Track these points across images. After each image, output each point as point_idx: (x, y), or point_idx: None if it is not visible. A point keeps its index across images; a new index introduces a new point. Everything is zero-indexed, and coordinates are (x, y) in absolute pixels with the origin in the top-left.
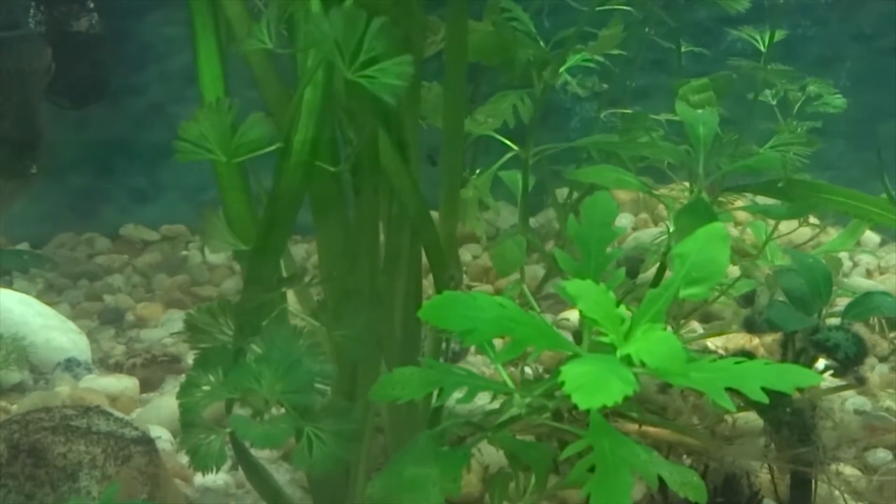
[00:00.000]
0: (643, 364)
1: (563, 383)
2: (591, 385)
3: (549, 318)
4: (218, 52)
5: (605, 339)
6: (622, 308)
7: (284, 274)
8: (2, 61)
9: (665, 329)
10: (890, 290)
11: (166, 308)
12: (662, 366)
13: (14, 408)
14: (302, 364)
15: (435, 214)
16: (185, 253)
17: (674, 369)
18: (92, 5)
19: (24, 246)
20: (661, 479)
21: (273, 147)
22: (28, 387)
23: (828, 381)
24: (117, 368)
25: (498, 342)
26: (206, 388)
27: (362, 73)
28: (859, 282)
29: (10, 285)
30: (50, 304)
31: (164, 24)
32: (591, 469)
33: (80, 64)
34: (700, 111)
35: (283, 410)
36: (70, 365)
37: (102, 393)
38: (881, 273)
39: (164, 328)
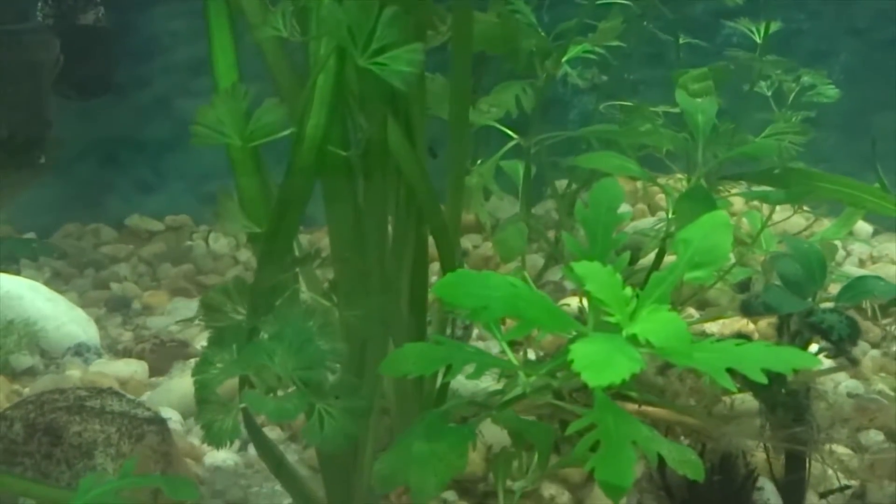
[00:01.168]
0: (648, 343)
1: (572, 361)
2: (600, 363)
3: None
4: (232, 40)
5: (611, 319)
6: (628, 289)
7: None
8: (11, 53)
9: (670, 310)
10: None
11: (172, 296)
12: (667, 345)
13: (26, 391)
14: (313, 342)
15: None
16: (189, 243)
17: (678, 349)
18: None
19: (30, 235)
20: (659, 458)
21: (287, 132)
22: (39, 371)
23: (822, 362)
24: (126, 353)
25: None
26: (220, 365)
27: (374, 61)
28: (852, 271)
29: (17, 273)
30: (58, 291)
31: (169, 16)
32: (594, 447)
33: (87, 56)
34: (699, 100)
35: (294, 387)
36: (80, 350)
37: (113, 377)
38: (874, 262)
39: (171, 316)
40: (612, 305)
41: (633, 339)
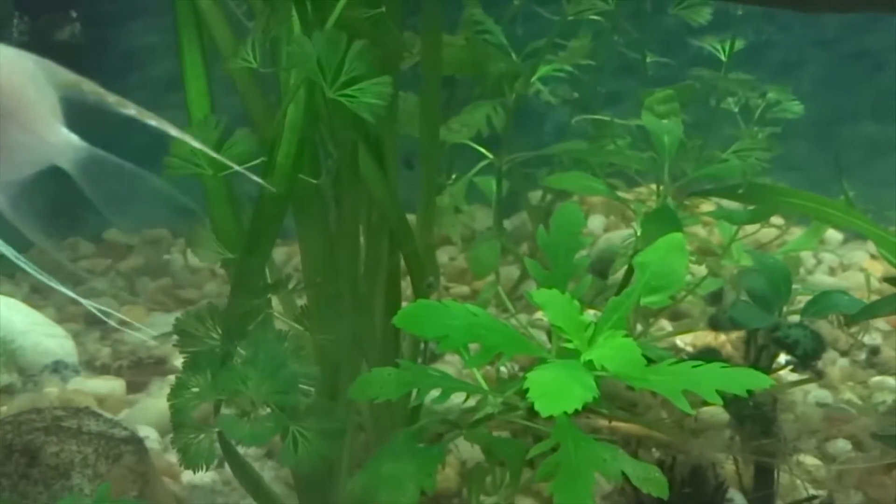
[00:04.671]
0: (604, 369)
1: (527, 390)
2: (554, 392)
3: (524, 317)
4: (204, 68)
5: (569, 346)
6: (586, 316)
7: (269, 281)
8: None
9: (626, 335)
10: (852, 286)
11: (150, 311)
12: (622, 370)
13: (3, 409)
14: (286, 366)
15: (412, 218)
16: (167, 257)
17: (633, 374)
18: (74, 15)
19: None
20: None
21: (257, 161)
22: (16, 389)
23: (791, 375)
24: (104, 370)
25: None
26: (195, 389)
27: (343, 93)
28: (822, 279)
29: None
30: (35, 307)
31: (145, 32)
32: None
33: None
34: (665, 121)
35: (268, 410)
36: (58, 367)
37: (90, 394)
38: (844, 270)
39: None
40: (570, 332)
41: (589, 365)
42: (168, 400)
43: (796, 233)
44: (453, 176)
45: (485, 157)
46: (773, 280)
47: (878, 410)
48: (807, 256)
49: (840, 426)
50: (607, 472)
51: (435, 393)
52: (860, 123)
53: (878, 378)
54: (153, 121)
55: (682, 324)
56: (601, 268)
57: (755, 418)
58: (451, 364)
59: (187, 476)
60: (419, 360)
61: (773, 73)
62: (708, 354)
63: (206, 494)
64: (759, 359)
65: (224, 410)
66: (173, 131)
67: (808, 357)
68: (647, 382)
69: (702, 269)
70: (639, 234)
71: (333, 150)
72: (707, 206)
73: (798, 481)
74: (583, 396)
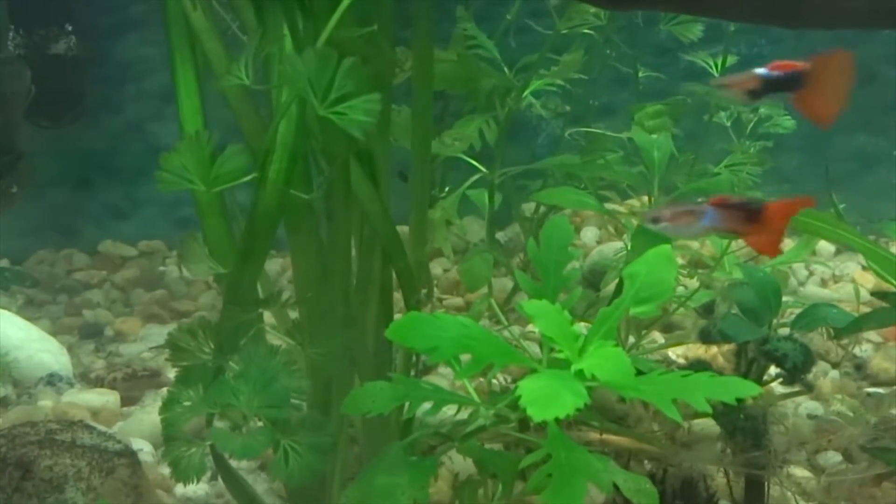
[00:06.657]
0: (595, 378)
1: (519, 397)
2: (545, 399)
3: (517, 329)
4: (196, 84)
5: (560, 356)
6: (576, 326)
7: (261, 295)
8: None
9: (616, 345)
10: (844, 298)
11: (145, 323)
12: (613, 380)
13: None
14: (278, 380)
15: (405, 231)
16: (162, 268)
17: (623, 383)
18: (70, 28)
19: (3, 262)
20: None
21: (250, 177)
22: (11, 401)
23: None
24: (98, 383)
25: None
26: (187, 403)
27: (333, 110)
28: (814, 291)
29: None
30: (30, 319)
31: (140, 45)
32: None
33: (58, 85)
34: (655, 136)
35: (260, 424)
36: (52, 380)
37: (85, 407)
38: (835, 282)
39: (143, 342)
40: (561, 342)
41: (580, 374)
42: (160, 413)
43: (788, 245)
44: (446, 189)
45: (478, 170)
46: (762, 293)
47: (868, 422)
48: (799, 268)
49: (829, 437)
50: (599, 482)
51: (427, 405)
52: (851, 136)
53: (868, 389)
54: None
55: (675, 336)
56: (594, 280)
57: (746, 430)
58: (443, 377)
59: (181, 489)
60: (412, 373)
61: None
62: (699, 367)
63: None
64: (749, 371)
65: (216, 424)
66: None
67: (797, 370)
68: (638, 391)
69: (694, 282)
70: (629, 247)
71: (325, 165)
72: None
73: (788, 493)
74: (574, 403)
